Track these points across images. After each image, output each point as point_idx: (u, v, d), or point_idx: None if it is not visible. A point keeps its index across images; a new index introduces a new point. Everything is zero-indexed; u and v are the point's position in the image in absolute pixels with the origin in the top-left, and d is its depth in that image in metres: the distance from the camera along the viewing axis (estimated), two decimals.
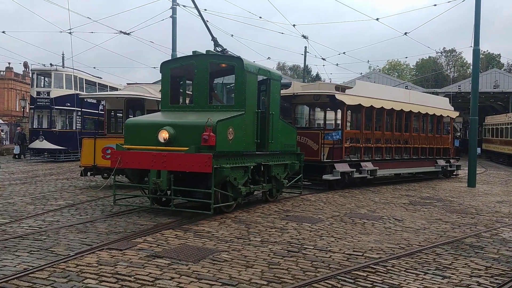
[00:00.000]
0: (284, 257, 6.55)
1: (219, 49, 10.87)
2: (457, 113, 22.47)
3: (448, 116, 21.30)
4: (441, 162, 20.50)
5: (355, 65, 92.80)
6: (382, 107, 16.35)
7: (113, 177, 9.73)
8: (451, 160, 21.52)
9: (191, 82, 10.77)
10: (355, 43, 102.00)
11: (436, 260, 6.81)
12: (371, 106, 15.85)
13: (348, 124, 17.54)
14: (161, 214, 9.50)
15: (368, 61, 44.58)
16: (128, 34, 21.49)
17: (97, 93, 20.50)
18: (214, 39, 10.91)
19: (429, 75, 65.67)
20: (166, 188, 8.87)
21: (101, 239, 7.21)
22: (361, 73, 47.18)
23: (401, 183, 18.20)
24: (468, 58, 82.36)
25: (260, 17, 18.76)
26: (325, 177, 14.17)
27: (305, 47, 31.06)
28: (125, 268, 5.77)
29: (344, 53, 26.97)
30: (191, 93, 11.09)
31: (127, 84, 25.81)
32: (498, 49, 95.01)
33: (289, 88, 16.08)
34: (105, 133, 14.84)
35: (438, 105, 20.63)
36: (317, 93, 15.45)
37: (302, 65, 40.53)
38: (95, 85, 27.80)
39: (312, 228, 8.67)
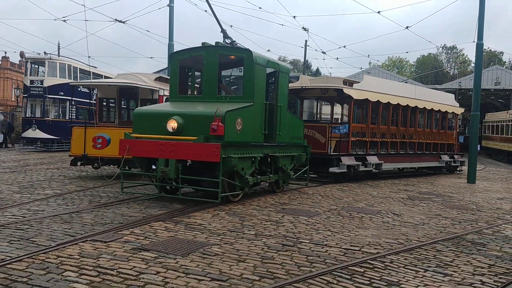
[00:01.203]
0: (278, 251, 6.22)
1: (228, 41, 10.86)
2: (462, 109, 22.53)
3: (453, 112, 21.31)
4: (445, 158, 20.57)
5: (356, 59, 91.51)
6: (388, 102, 16.42)
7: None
8: (455, 156, 21.54)
9: (199, 73, 10.77)
10: (357, 37, 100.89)
11: (436, 256, 6.50)
12: (378, 100, 15.93)
13: (354, 118, 17.46)
14: (152, 205, 9.16)
15: (368, 55, 44.07)
16: (123, 22, 21.04)
17: (88, 80, 20.05)
18: (223, 31, 10.89)
19: (429, 72, 65.23)
20: (174, 177, 8.95)
21: (86, 230, 6.87)
22: (361, 68, 46.77)
23: (400, 178, 17.94)
24: (470, 55, 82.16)
25: (260, 8, 18.36)
26: (331, 169, 14.33)
27: (306, 41, 30.56)
28: (108, 261, 5.43)
29: (344, 46, 26.55)
30: (197, 85, 11.11)
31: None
32: (501, 47, 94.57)
33: (296, 82, 16.15)
34: (96, 122, 14.47)
35: (444, 101, 20.59)
36: (325, 86, 15.49)
37: (302, 59, 39.97)
38: (90, 74, 27.34)
39: (308, 221, 8.35)
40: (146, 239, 6.49)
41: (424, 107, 18.68)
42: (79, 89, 22.05)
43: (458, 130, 22.66)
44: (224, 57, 10.38)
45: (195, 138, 8.77)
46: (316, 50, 69.13)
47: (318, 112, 18.51)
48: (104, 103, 15.16)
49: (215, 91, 10.09)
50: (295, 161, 11.81)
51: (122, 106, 15.45)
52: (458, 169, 21.87)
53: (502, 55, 74.70)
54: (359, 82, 16.03)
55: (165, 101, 14.17)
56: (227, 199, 9.53)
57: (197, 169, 9.64)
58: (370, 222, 8.76)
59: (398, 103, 16.90)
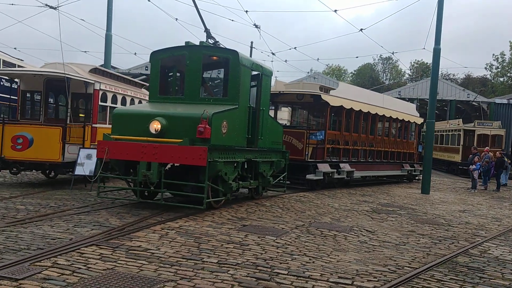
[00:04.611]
0: None
1: (211, 41, 10.49)
2: (422, 120, 22.76)
3: (414, 122, 21.61)
4: (407, 167, 20.92)
5: (305, 62, 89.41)
6: (360, 109, 16.49)
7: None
8: (415, 165, 21.80)
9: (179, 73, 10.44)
10: (309, 39, 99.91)
11: None
12: (351, 108, 15.86)
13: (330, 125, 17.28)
14: (83, 223, 7.36)
15: (318, 59, 43.01)
16: (55, 8, 18.59)
17: (7, 69, 17.41)
18: (207, 30, 10.48)
19: (375, 87, 66.59)
20: (156, 181, 8.45)
21: None
22: (308, 72, 46.10)
23: (355, 187, 17.10)
24: (403, 66, 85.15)
25: None
26: (308, 176, 14.06)
27: (251, 42, 29.26)
28: None
29: (295, 48, 25.45)
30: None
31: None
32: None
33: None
34: (17, 119, 12.27)
35: (406, 110, 20.88)
36: (302, 92, 15.20)
37: None
38: (15, 67, 24.39)
39: (277, 243, 6.96)
40: (74, 274, 4.80)
41: (390, 116, 18.81)
42: (1, 83, 19.34)
43: (417, 140, 22.92)
44: (207, 58, 10.00)
45: (180, 140, 8.27)
46: (262, 52, 66.80)
47: (292, 118, 18.38)
48: (28, 97, 12.97)
49: (198, 92, 9.69)
50: (274, 167, 11.47)
51: (49, 100, 13.32)
52: (417, 178, 21.98)
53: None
54: (335, 89, 16.00)
55: (102, 96, 12.30)
56: (209, 205, 9.01)
57: (177, 173, 9.24)
58: (346, 242, 7.55)
59: (368, 111, 16.97)
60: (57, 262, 5.14)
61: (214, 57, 10.25)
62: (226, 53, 9.85)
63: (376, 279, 5.55)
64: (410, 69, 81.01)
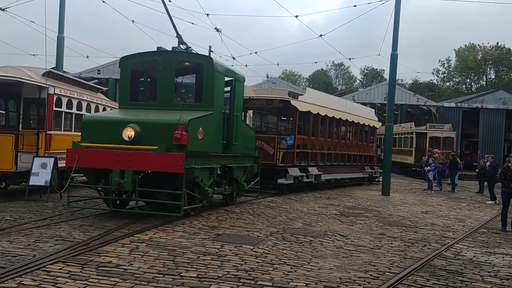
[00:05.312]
0: None
1: (183, 46, 10.35)
2: (380, 124, 23.41)
3: (374, 126, 22.24)
4: (368, 169, 21.46)
5: (262, 67, 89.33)
6: (326, 114, 16.74)
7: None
8: (375, 167, 22.37)
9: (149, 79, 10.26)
10: (269, 44, 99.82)
11: None
12: (318, 113, 16.19)
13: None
14: (44, 237, 6.80)
15: (278, 64, 43.13)
16: (3, 10, 17.53)
17: None
18: (179, 36, 10.35)
19: (332, 94, 67.58)
20: (130, 190, 8.17)
21: None
22: (267, 77, 46.17)
23: (319, 190, 17.12)
24: (355, 72, 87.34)
25: (170, 0, 16.28)
26: (280, 181, 14.26)
27: (210, 46, 28.76)
28: None
29: (256, 53, 25.25)
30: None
31: None
32: (383, 66, 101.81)
33: None
34: None
35: (367, 115, 21.36)
36: (272, 98, 15.33)
37: None
38: None
39: (256, 252, 6.70)
40: None
41: (353, 121, 19.27)
42: None
43: (376, 143, 23.50)
44: (180, 63, 9.93)
45: (156, 147, 8.05)
46: (221, 56, 65.12)
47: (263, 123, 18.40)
48: None
49: (171, 98, 9.51)
50: (248, 172, 11.43)
51: None
52: (377, 179, 22.63)
53: (383, 73, 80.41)
54: (303, 94, 16.31)
55: (56, 101, 11.60)
56: (186, 213, 8.78)
57: (150, 181, 8.96)
58: (323, 248, 7.40)
59: (333, 116, 17.36)
60: (22, 282, 4.65)
61: (187, 63, 10.13)
62: (200, 59, 9.81)
63: (361, 287, 5.41)
64: (361, 75, 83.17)
